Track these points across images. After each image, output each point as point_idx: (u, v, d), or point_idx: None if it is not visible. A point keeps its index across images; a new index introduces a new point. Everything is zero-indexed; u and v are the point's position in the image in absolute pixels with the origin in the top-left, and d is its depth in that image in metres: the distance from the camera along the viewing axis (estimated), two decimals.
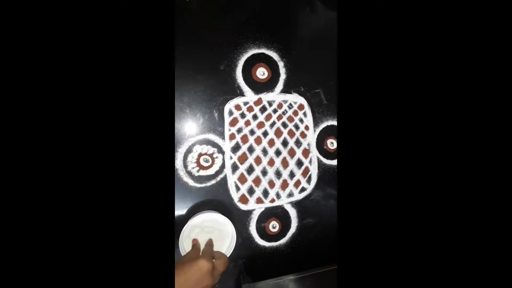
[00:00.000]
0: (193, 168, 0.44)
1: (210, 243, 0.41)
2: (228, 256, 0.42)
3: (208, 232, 0.42)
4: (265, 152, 0.48)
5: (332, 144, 0.52)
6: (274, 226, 0.49)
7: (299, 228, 0.50)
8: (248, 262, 0.48)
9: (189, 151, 0.44)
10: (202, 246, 0.40)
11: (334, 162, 0.52)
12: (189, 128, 0.44)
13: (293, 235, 0.50)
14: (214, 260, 0.38)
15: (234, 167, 0.47)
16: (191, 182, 0.44)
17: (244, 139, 0.47)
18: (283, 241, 0.50)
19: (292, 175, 0.50)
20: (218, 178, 0.46)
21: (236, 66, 0.46)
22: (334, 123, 0.52)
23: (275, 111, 0.49)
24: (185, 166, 0.44)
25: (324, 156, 0.52)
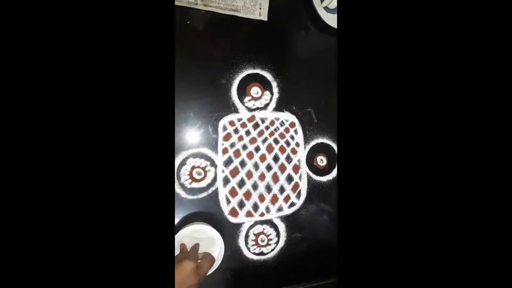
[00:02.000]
0: (185, 180, 0.46)
1: (196, 246, 0.42)
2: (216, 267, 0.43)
3: (196, 239, 0.43)
4: (256, 166, 0.50)
5: (321, 161, 0.54)
6: (262, 239, 0.50)
7: (287, 242, 0.52)
8: (236, 274, 0.49)
9: (182, 163, 0.46)
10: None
11: (323, 179, 0.54)
12: (183, 141, 0.46)
13: (281, 249, 0.51)
14: (199, 260, 0.39)
15: (226, 181, 0.48)
16: (183, 194, 0.46)
17: (237, 153, 0.49)
18: (271, 255, 0.51)
19: (282, 190, 0.51)
20: (210, 191, 0.47)
21: (231, 84, 0.49)
22: (324, 140, 0.54)
23: (267, 128, 0.51)
24: (178, 178, 0.46)
25: (313, 173, 0.53)
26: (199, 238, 0.43)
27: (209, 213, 0.47)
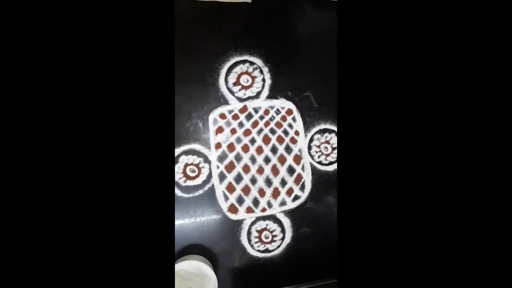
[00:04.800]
0: (180, 178, 0.45)
1: None
2: None
3: (188, 280, 0.39)
4: (253, 160, 0.47)
5: (326, 149, 0.49)
6: (266, 236, 0.47)
7: (294, 238, 0.48)
8: (241, 273, 0.47)
9: (175, 161, 0.45)
10: None
11: (329, 168, 0.49)
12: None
13: (288, 246, 0.48)
14: None
15: (222, 176, 0.46)
16: (178, 193, 0.45)
17: (231, 147, 0.46)
18: (277, 251, 0.48)
19: (283, 182, 0.48)
20: (206, 188, 0.46)
21: (218, 75, 0.46)
22: (327, 126, 0.49)
23: (261, 117, 0.47)
24: None
25: (318, 162, 0.49)
26: (190, 274, 0.39)
27: (206, 212, 0.45)
